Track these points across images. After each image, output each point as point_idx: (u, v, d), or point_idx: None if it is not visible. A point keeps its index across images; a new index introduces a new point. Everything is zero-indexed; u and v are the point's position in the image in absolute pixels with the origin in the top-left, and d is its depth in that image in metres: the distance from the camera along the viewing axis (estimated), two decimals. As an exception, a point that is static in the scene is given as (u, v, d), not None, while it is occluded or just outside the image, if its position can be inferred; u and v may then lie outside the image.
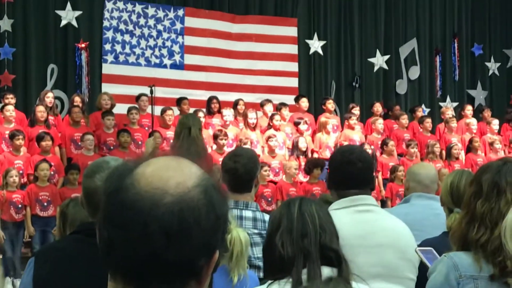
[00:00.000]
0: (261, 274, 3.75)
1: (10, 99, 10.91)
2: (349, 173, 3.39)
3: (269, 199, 10.73)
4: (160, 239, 1.21)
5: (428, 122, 13.45)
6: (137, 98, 11.91)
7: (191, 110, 12.07)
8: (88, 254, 2.12)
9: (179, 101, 12.25)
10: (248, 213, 3.97)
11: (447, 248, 2.70)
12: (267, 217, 4.07)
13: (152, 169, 1.27)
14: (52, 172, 9.97)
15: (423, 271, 3.24)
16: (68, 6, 12.58)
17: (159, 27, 13.43)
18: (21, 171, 9.84)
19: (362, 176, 3.43)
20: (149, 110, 11.53)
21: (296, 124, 12.33)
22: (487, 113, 14.41)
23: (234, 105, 12.57)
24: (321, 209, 2.63)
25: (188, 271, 1.24)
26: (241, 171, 3.96)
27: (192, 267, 1.24)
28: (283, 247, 2.51)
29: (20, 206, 9.47)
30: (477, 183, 2.58)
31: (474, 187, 2.58)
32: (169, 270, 1.23)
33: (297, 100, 13.18)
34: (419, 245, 3.51)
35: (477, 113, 14.77)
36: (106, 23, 12.98)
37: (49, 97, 11.28)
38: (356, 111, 13.22)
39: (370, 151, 11.87)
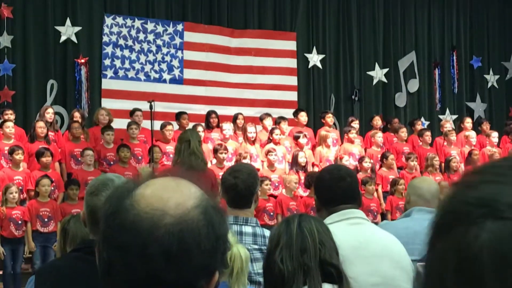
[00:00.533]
0: (262, 290, 3.75)
1: (10, 115, 10.92)
2: (340, 189, 3.47)
3: (271, 213, 10.72)
4: (160, 260, 1.21)
5: (428, 135, 13.45)
6: (131, 113, 11.90)
7: (191, 125, 12.07)
8: (88, 273, 2.12)
9: (178, 116, 12.26)
10: (248, 229, 3.97)
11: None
12: (267, 232, 4.07)
13: (152, 190, 1.27)
14: (52, 188, 9.97)
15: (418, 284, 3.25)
16: (68, 21, 12.61)
17: (158, 42, 13.46)
18: (20, 187, 9.83)
19: (352, 190, 3.52)
20: (146, 124, 11.53)
21: (296, 138, 12.34)
22: (486, 126, 14.42)
23: (234, 119, 12.58)
24: (321, 225, 2.64)
25: None
26: (241, 186, 3.96)
27: None
28: (283, 262, 2.53)
29: (20, 222, 9.46)
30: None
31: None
32: None
33: (296, 114, 13.19)
34: (420, 260, 3.52)
35: (476, 126, 14.78)
36: (105, 38, 13.02)
37: (49, 113, 11.28)
38: (356, 124, 13.23)
39: (369, 165, 11.90)
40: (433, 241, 0.96)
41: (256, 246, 3.91)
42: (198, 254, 1.23)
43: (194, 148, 6.35)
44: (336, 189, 3.47)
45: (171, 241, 1.22)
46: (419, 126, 14.12)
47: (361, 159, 12.04)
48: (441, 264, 0.92)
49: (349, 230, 3.34)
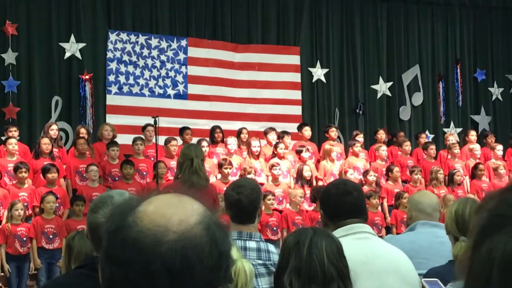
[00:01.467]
0: (267, 305, 3.74)
1: (14, 132, 10.95)
2: (347, 203, 3.46)
3: (274, 228, 10.70)
4: (163, 277, 1.21)
5: (432, 149, 13.43)
6: (143, 128, 11.93)
7: (195, 139, 12.07)
8: (92, 289, 2.12)
9: (181, 131, 12.27)
10: (252, 244, 3.96)
11: (453, 277, 2.69)
12: (271, 247, 4.07)
13: (154, 206, 1.28)
14: (57, 204, 9.97)
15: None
16: (72, 38, 12.66)
17: (163, 57, 13.49)
18: (25, 204, 9.83)
19: (358, 204, 3.52)
20: (153, 140, 11.54)
21: (298, 152, 12.33)
22: (491, 139, 14.38)
23: (238, 134, 12.58)
24: (332, 246, 2.62)
25: None
26: (245, 202, 3.96)
27: None
28: (292, 286, 2.53)
29: (25, 239, 9.46)
30: (484, 211, 2.56)
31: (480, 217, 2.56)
32: None
33: (300, 128, 13.19)
34: (425, 274, 3.52)
35: (481, 139, 14.75)
36: (109, 55, 13.06)
37: (53, 129, 11.30)
38: (360, 138, 13.22)
39: (374, 178, 11.89)
40: (478, 242, 0.99)
41: (260, 261, 3.91)
42: (201, 270, 1.23)
43: (196, 167, 6.32)
44: (342, 203, 3.46)
45: (174, 257, 1.22)
46: (423, 140, 14.10)
47: (365, 173, 12.03)
48: (486, 264, 0.93)
49: (356, 244, 3.33)
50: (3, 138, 11.32)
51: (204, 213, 1.29)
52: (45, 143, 10.75)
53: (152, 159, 11.50)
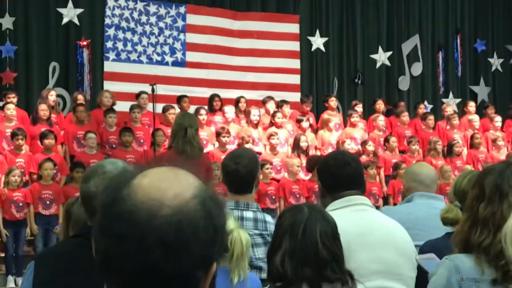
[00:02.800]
0: (263, 275, 3.75)
1: (12, 98, 10.91)
2: (345, 173, 3.44)
3: (273, 197, 10.73)
4: (158, 251, 1.20)
5: (431, 119, 13.42)
6: (137, 95, 11.90)
7: (193, 108, 12.05)
8: (88, 258, 2.11)
9: (179, 99, 12.23)
10: (249, 214, 3.96)
11: (450, 250, 2.69)
12: (268, 217, 4.07)
13: (149, 180, 1.26)
14: (55, 171, 9.97)
15: (421, 273, 3.24)
16: (70, 3, 12.57)
17: (161, 24, 13.41)
18: (22, 170, 9.83)
19: (357, 175, 3.50)
20: (150, 108, 11.52)
21: (299, 121, 12.32)
22: (491, 110, 14.36)
23: (236, 102, 12.56)
24: (327, 228, 2.63)
25: (186, 283, 1.23)
26: (243, 172, 3.95)
27: (189, 279, 1.23)
28: (283, 267, 2.54)
29: (21, 204, 9.48)
30: (479, 186, 2.56)
31: (477, 190, 2.56)
32: (166, 282, 1.22)
33: (303, 102, 13.14)
34: (421, 247, 3.52)
35: (480, 109, 14.73)
36: (107, 21, 12.97)
37: (52, 95, 11.28)
38: (359, 108, 13.21)
39: (372, 149, 11.89)
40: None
41: (257, 231, 3.91)
42: (196, 245, 1.22)
43: (190, 136, 6.31)
44: (340, 174, 3.44)
45: (169, 231, 1.20)
46: (422, 110, 14.08)
47: (364, 143, 12.02)
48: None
49: (353, 216, 3.33)
50: (0, 103, 11.29)
51: (199, 187, 1.27)
52: (42, 109, 10.72)
53: (147, 126, 11.49)
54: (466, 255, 2.51)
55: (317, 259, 2.55)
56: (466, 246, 2.53)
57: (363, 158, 11.28)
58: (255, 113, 12.04)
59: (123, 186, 1.26)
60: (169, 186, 1.25)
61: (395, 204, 10.93)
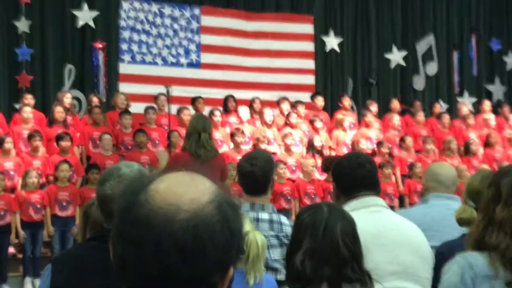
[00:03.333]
0: (279, 277, 3.76)
1: (30, 100, 10.98)
2: (360, 175, 3.44)
3: (288, 197, 10.72)
4: (174, 255, 1.21)
5: (446, 119, 13.38)
6: (156, 97, 11.93)
7: (208, 109, 12.07)
8: (105, 262, 2.14)
9: (193, 101, 12.25)
10: (264, 215, 3.98)
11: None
12: (283, 219, 4.07)
13: (166, 185, 1.27)
14: (71, 172, 10.02)
15: (439, 272, 3.23)
16: (85, 6, 12.62)
17: (176, 26, 13.45)
18: (39, 172, 9.89)
19: (371, 177, 3.50)
20: (166, 109, 11.55)
21: (312, 121, 12.30)
22: (506, 109, 14.29)
23: (250, 103, 12.56)
24: (347, 227, 2.62)
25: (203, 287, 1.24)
26: (258, 174, 3.96)
27: (206, 284, 1.24)
28: (303, 266, 2.53)
29: (39, 206, 9.53)
30: (495, 187, 2.54)
31: (493, 191, 2.55)
32: (183, 286, 1.23)
33: (313, 98, 13.16)
34: (438, 247, 3.51)
35: (496, 108, 14.67)
36: (122, 23, 13.02)
37: (68, 98, 11.34)
38: (374, 107, 13.17)
39: (388, 150, 11.86)
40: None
41: (272, 233, 3.92)
42: (213, 249, 1.23)
43: (204, 141, 6.34)
44: (355, 176, 3.44)
45: (186, 236, 1.21)
46: (438, 109, 14.04)
47: (379, 143, 11.99)
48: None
49: (369, 218, 3.32)
50: (17, 106, 11.36)
51: (216, 192, 1.28)
52: (58, 111, 10.78)
53: (165, 127, 11.52)
54: (480, 253, 2.51)
55: (338, 258, 2.54)
56: (480, 246, 2.52)
57: (378, 159, 11.25)
58: (268, 113, 12.04)
59: (140, 191, 1.27)
60: (185, 190, 1.26)
61: (411, 204, 10.91)
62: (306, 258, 2.54)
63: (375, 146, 12.07)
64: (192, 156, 6.31)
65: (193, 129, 6.48)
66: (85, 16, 12.62)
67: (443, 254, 3.36)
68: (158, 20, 13.30)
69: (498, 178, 2.58)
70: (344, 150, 11.88)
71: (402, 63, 15.33)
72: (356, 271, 2.56)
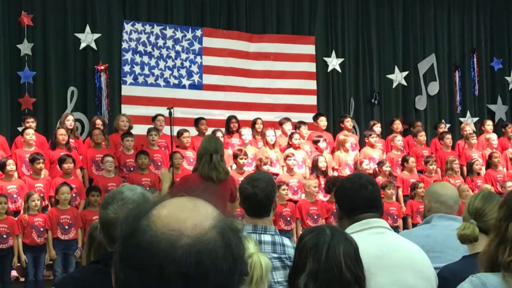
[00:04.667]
0: (282, 299, 3.74)
1: (31, 123, 10.99)
2: (362, 197, 3.43)
3: (288, 218, 10.69)
4: (177, 282, 1.21)
5: (448, 138, 13.38)
6: (154, 118, 11.96)
7: (210, 130, 12.09)
8: (107, 285, 2.13)
9: (196, 122, 12.28)
10: (267, 237, 3.96)
11: (469, 273, 2.68)
12: (286, 240, 4.06)
13: (168, 210, 1.27)
14: (73, 195, 10.01)
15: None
16: (87, 29, 12.68)
17: (178, 47, 13.49)
18: (42, 194, 9.88)
19: (374, 198, 3.48)
20: (166, 130, 11.57)
21: (315, 142, 12.31)
22: (508, 128, 14.27)
23: (252, 124, 12.58)
24: (349, 250, 2.62)
25: None
26: (260, 195, 3.96)
27: None
28: None
29: (42, 229, 9.51)
30: (507, 206, 2.56)
31: (505, 211, 2.56)
32: None
33: (315, 118, 13.18)
34: (440, 270, 3.49)
35: (498, 128, 14.67)
36: (124, 45, 13.07)
37: (69, 120, 11.35)
38: (377, 128, 13.19)
39: (389, 169, 11.86)
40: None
41: (275, 255, 3.91)
42: (216, 275, 1.23)
43: (215, 163, 6.32)
44: (357, 197, 3.43)
45: (189, 262, 1.21)
46: (441, 130, 14.04)
47: (380, 163, 11.98)
48: None
49: (372, 239, 3.31)
50: (20, 128, 11.38)
51: (218, 217, 1.28)
52: (61, 134, 10.80)
53: (163, 148, 11.53)
54: (493, 273, 2.50)
55: (341, 281, 2.54)
56: (493, 266, 2.52)
57: (379, 179, 11.24)
58: (270, 134, 12.05)
59: (142, 217, 1.27)
60: (188, 216, 1.26)
61: (414, 224, 10.87)
62: (309, 280, 2.54)
63: (375, 166, 12.06)
64: (203, 178, 6.29)
65: (204, 150, 6.45)
66: (87, 38, 12.68)
67: (445, 277, 3.35)
68: (160, 42, 13.35)
69: (509, 197, 2.60)
70: (347, 171, 11.88)
71: (404, 83, 15.36)
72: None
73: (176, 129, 11.39)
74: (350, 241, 2.67)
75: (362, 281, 2.59)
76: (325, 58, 14.74)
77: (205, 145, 6.57)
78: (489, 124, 14.18)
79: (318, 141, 12.26)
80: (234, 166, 11.33)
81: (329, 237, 2.63)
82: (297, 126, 12.63)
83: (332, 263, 2.55)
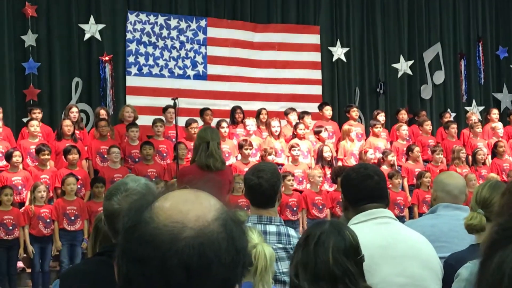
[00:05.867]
0: (287, 289, 3.74)
1: (37, 113, 11.00)
2: (367, 187, 3.43)
3: (294, 208, 10.69)
4: (180, 274, 1.20)
5: (454, 128, 13.34)
6: (164, 109, 11.95)
7: (215, 120, 12.09)
8: (112, 277, 2.13)
9: (202, 112, 12.27)
10: (272, 228, 3.96)
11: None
12: (291, 231, 4.06)
13: (171, 202, 1.27)
14: (79, 186, 10.02)
15: (447, 284, 3.22)
16: (91, 19, 12.66)
17: (182, 38, 13.47)
18: (47, 186, 9.89)
19: (379, 189, 3.48)
20: (174, 121, 11.56)
21: (317, 132, 12.30)
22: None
23: (257, 114, 12.56)
24: (339, 244, 2.63)
25: None
26: (265, 186, 3.95)
27: None
28: (298, 279, 2.55)
29: (48, 220, 9.53)
30: (510, 194, 2.54)
31: (507, 198, 2.54)
32: None
33: (320, 108, 13.15)
34: (446, 259, 3.49)
35: (504, 117, 14.63)
36: (129, 36, 13.06)
37: (74, 112, 11.35)
38: (381, 117, 13.16)
39: (394, 159, 11.84)
40: (490, 255, 0.98)
41: (280, 245, 3.91)
42: (219, 267, 1.22)
43: (212, 150, 6.32)
44: (362, 188, 3.43)
45: (192, 254, 1.21)
46: (446, 119, 14.01)
47: (385, 153, 11.96)
48: (497, 277, 0.95)
49: (377, 229, 3.31)
50: (25, 120, 11.38)
51: (221, 209, 1.27)
52: (66, 125, 10.80)
53: (173, 140, 11.53)
54: None
55: (329, 275, 2.56)
56: None
57: (384, 168, 11.22)
58: (275, 124, 12.03)
59: (145, 209, 1.27)
60: (190, 208, 1.25)
61: (420, 214, 10.87)
62: (300, 270, 2.56)
63: (381, 155, 12.04)
64: (201, 168, 6.29)
65: (200, 140, 6.47)
66: (91, 29, 12.66)
67: (452, 265, 3.34)
68: (165, 32, 13.33)
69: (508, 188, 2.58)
70: (352, 161, 11.87)
71: (409, 72, 15.32)
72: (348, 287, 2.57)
73: (180, 119, 11.38)
74: (343, 236, 2.68)
75: (353, 276, 2.60)
76: (330, 48, 14.70)
77: (201, 134, 6.59)
78: (494, 113, 14.13)
79: (320, 131, 12.25)
80: (239, 157, 11.33)
81: (320, 231, 2.66)
82: (300, 116, 12.61)
83: (320, 256, 2.57)
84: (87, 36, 12.66)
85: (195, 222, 1.23)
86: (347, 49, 14.78)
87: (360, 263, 2.66)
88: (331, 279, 2.55)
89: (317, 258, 2.58)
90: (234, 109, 12.64)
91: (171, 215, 1.24)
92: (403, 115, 13.59)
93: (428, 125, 13.29)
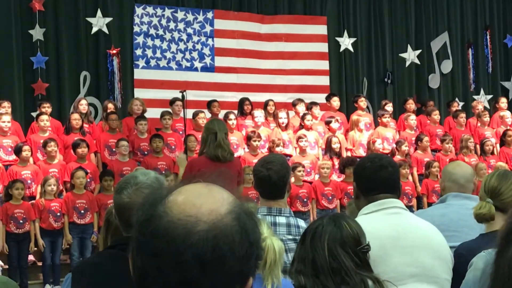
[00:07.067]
0: (297, 280, 3.76)
1: (47, 108, 11.02)
2: (381, 177, 3.43)
3: (305, 199, 10.70)
4: (194, 267, 1.21)
5: (462, 117, 13.31)
6: (171, 102, 11.97)
7: (223, 112, 12.09)
8: (123, 270, 2.15)
9: (209, 104, 12.27)
10: (281, 219, 3.97)
11: (485, 250, 2.68)
12: (301, 222, 4.07)
13: (184, 196, 1.28)
14: (88, 179, 10.05)
15: (458, 273, 3.23)
16: (99, 13, 12.67)
17: (189, 30, 13.47)
18: (57, 179, 9.92)
19: (392, 179, 3.49)
20: (181, 114, 11.58)
21: (327, 122, 12.29)
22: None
23: (264, 106, 12.57)
24: (335, 237, 2.65)
25: None
26: (274, 178, 3.96)
27: None
28: (299, 274, 2.57)
29: (58, 214, 9.57)
30: None
31: None
32: None
33: (328, 99, 13.14)
34: (457, 248, 3.50)
35: (512, 105, 14.60)
36: (136, 29, 13.06)
37: (83, 104, 11.37)
38: (389, 107, 13.14)
39: (407, 149, 11.82)
40: (504, 246, 1.00)
41: (290, 237, 3.92)
42: (232, 260, 1.23)
43: (220, 140, 6.34)
44: (376, 177, 3.44)
45: (205, 247, 1.22)
46: (454, 108, 13.98)
47: (398, 142, 11.95)
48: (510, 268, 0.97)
49: (387, 220, 3.32)
50: (34, 114, 11.41)
51: (234, 203, 1.28)
52: (75, 119, 10.83)
53: (180, 132, 11.53)
54: None
55: (327, 267, 2.58)
56: None
57: (397, 158, 11.22)
58: (282, 115, 12.03)
59: (158, 203, 1.28)
60: (204, 202, 1.26)
61: (429, 204, 10.87)
62: (300, 263, 2.59)
63: (394, 145, 12.02)
64: (210, 159, 6.32)
65: (208, 131, 6.49)
66: (98, 22, 12.67)
67: (462, 255, 3.35)
68: (172, 25, 13.33)
69: None
70: (361, 151, 11.87)
71: (417, 61, 15.29)
72: (346, 281, 2.58)
73: (189, 112, 11.40)
74: (339, 226, 2.69)
75: (348, 268, 2.62)
76: (337, 38, 14.67)
77: (208, 126, 6.62)
78: (503, 102, 14.09)
79: (330, 121, 12.23)
80: (247, 148, 11.35)
81: (317, 224, 2.68)
82: (308, 107, 12.60)
83: (316, 249, 2.59)
84: (94, 29, 12.67)
85: (208, 215, 1.24)
86: (354, 39, 14.76)
87: (363, 252, 2.67)
88: (330, 272, 2.57)
89: (314, 252, 2.60)
90: (243, 101, 12.65)
91: (185, 209, 1.25)
92: (411, 104, 13.57)
93: (436, 115, 13.26)
